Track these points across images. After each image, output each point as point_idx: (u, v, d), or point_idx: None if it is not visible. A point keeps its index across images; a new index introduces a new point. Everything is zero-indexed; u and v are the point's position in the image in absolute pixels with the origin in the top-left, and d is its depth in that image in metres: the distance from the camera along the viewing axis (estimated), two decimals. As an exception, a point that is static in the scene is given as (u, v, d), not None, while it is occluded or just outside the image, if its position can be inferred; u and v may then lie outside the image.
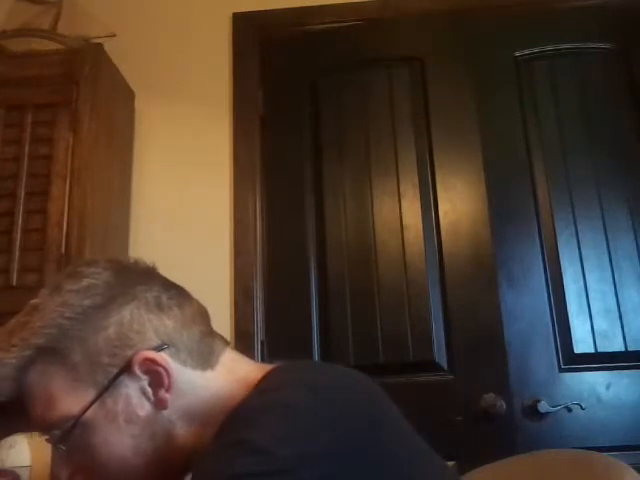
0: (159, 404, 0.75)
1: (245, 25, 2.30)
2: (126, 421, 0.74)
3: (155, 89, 2.26)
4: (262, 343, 2.01)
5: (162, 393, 0.75)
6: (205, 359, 0.79)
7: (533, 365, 1.91)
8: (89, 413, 0.73)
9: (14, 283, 1.78)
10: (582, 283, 1.96)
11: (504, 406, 1.85)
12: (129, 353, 0.74)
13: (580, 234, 2.00)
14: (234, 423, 0.67)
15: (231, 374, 0.80)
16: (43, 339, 0.74)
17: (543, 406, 1.85)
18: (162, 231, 2.12)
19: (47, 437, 0.75)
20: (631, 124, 2.09)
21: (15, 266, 1.79)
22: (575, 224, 2.01)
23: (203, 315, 0.83)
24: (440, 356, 1.94)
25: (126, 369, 0.74)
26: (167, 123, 2.24)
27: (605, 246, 1.99)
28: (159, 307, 0.77)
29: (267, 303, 2.05)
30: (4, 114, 1.93)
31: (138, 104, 2.25)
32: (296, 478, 0.61)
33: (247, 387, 0.74)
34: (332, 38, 2.29)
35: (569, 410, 1.86)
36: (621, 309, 1.93)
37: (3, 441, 1.71)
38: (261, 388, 0.72)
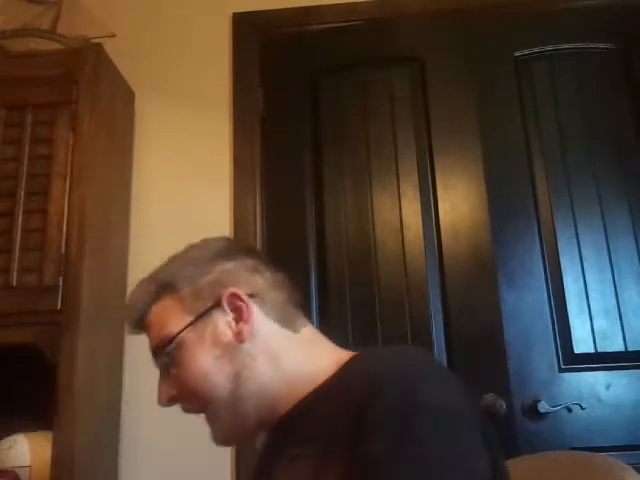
0: (238, 336, 0.92)
1: (245, 25, 2.30)
2: (211, 343, 0.92)
3: (155, 89, 2.26)
4: (262, 343, 2.01)
5: (241, 325, 0.92)
6: (287, 320, 0.95)
7: (533, 365, 1.91)
8: (184, 333, 0.92)
9: (14, 283, 1.77)
10: (582, 283, 1.96)
11: (504, 406, 1.85)
12: (223, 291, 0.93)
13: (580, 234, 2.00)
14: (395, 391, 0.78)
15: (316, 346, 0.96)
16: (164, 275, 0.97)
17: (543, 406, 1.85)
18: (162, 231, 2.12)
19: (156, 356, 0.95)
20: (631, 124, 2.09)
21: (15, 266, 1.78)
22: (575, 224, 2.01)
23: (293, 291, 0.99)
24: (440, 356, 1.94)
25: (218, 303, 0.93)
26: (167, 123, 2.24)
27: (605, 246, 1.99)
28: (255, 270, 0.97)
29: (267, 303, 2.05)
30: (4, 114, 1.92)
31: (138, 104, 2.25)
32: (471, 419, 0.84)
33: (337, 363, 0.90)
34: (332, 38, 2.28)
35: (569, 410, 1.86)
36: (621, 309, 1.93)
37: (3, 441, 1.71)
38: (382, 360, 0.86)
